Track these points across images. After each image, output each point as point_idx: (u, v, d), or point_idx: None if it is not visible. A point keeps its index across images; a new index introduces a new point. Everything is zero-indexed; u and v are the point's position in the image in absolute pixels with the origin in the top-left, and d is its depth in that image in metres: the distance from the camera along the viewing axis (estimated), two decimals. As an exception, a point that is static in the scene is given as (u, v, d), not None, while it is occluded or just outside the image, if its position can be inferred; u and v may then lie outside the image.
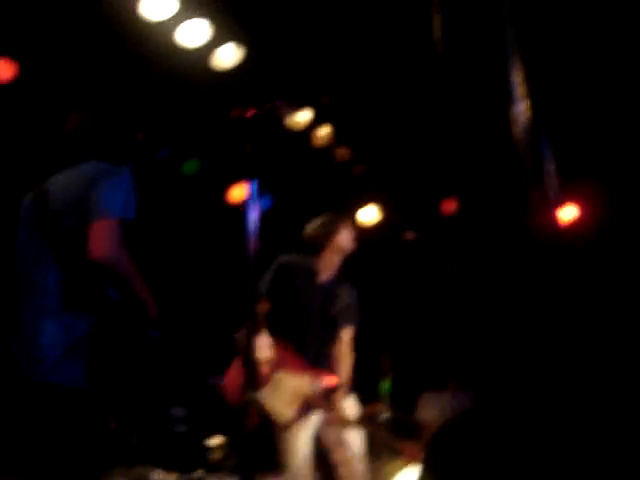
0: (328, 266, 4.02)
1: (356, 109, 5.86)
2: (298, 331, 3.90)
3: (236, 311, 2.35)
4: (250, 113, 2.14)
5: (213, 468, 5.10)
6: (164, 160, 6.24)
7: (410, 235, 4.38)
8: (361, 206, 7.09)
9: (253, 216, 2.06)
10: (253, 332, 2.03)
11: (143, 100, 5.50)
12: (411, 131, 5.31)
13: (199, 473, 4.92)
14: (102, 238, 2.31)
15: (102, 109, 2.75)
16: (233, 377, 3.75)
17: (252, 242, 2.11)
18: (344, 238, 4.02)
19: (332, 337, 3.98)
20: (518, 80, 1.64)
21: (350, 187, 6.78)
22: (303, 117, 5.98)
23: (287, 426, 3.76)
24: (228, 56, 5.37)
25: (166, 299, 5.91)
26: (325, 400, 3.86)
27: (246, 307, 2.05)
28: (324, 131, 6.37)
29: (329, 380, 3.93)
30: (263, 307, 3.86)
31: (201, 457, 5.22)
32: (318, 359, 3.92)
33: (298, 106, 2.41)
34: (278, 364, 3.82)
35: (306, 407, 3.83)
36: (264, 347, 3.74)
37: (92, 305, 2.37)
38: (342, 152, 6.61)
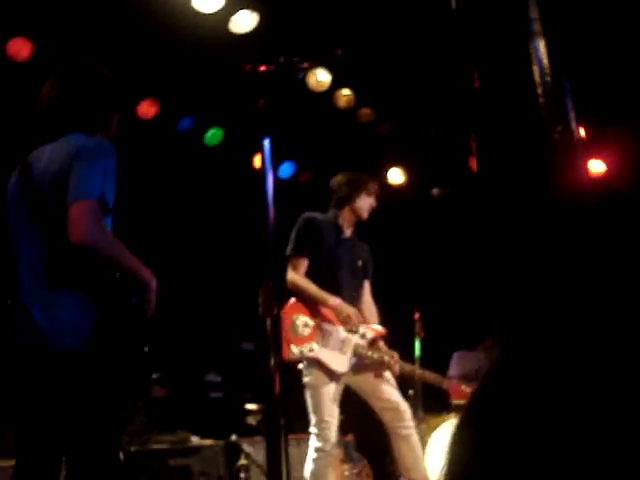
0: (350, 222, 4.22)
1: (376, 67, 5.76)
2: (333, 284, 4.01)
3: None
4: (262, 68, 2.09)
5: (248, 432, 5.16)
6: (187, 132, 6.24)
7: (437, 192, 4.34)
8: (387, 166, 7.03)
9: (270, 180, 2.02)
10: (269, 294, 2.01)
11: (160, 69, 5.49)
12: (430, 83, 5.21)
13: (234, 438, 4.98)
14: (80, 221, 2.26)
15: (75, 74, 2.62)
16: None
17: (270, 207, 2.07)
18: (367, 198, 4.19)
19: (360, 288, 4.18)
20: (535, 16, 1.57)
21: (375, 148, 6.71)
22: (324, 78, 5.92)
23: (338, 375, 3.95)
24: (245, 21, 5.33)
25: (193, 268, 5.96)
26: (373, 348, 4.03)
27: (264, 272, 2.02)
28: (346, 92, 6.29)
29: (375, 329, 4.06)
30: (300, 265, 3.96)
31: (237, 422, 5.28)
32: (355, 304, 4.06)
33: (315, 64, 2.34)
34: (322, 317, 3.97)
35: (357, 355, 4.01)
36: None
37: (79, 282, 2.33)
38: (366, 113, 6.53)
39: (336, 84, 6.15)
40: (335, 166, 7.30)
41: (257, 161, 6.77)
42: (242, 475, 4.69)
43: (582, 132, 1.52)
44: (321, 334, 3.94)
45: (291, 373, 5.63)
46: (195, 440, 5.10)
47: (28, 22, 5.01)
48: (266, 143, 2.00)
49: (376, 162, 6.94)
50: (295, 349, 3.94)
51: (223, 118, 6.26)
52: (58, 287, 2.34)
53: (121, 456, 4.01)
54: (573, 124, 1.47)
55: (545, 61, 1.57)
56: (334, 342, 3.94)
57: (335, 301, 3.92)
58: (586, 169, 1.51)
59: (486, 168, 1.57)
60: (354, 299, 4.09)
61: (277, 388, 2.04)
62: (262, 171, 1.98)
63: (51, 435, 2.37)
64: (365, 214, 4.21)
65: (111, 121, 2.68)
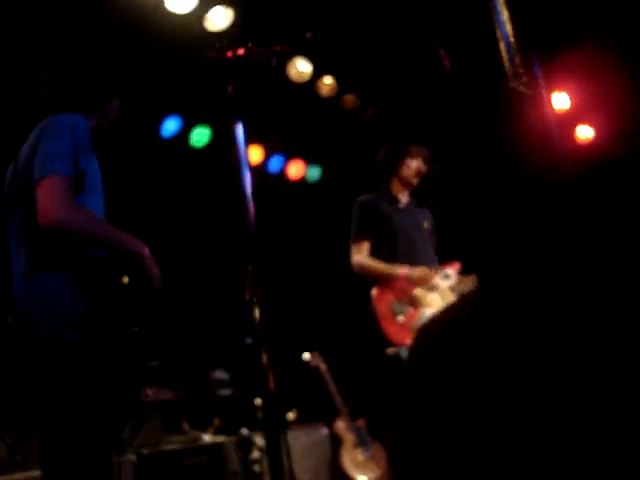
0: (402, 191, 4.27)
1: (355, 52, 5.76)
2: (407, 253, 4.05)
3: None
4: (229, 54, 2.09)
5: (260, 427, 5.17)
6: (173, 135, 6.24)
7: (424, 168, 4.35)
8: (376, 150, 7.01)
9: (245, 165, 2.01)
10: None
11: (136, 71, 5.48)
12: (411, 61, 5.21)
13: (245, 432, 5.00)
14: (45, 200, 2.11)
15: (65, 54, 2.51)
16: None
17: (248, 194, 2.06)
18: (411, 163, 4.21)
19: (432, 249, 4.23)
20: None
21: (362, 133, 6.70)
22: (304, 68, 5.92)
23: None
24: (220, 17, 5.31)
25: (192, 267, 5.96)
26: (463, 281, 4.05)
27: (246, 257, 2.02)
28: (328, 81, 6.29)
29: (451, 265, 4.14)
30: (362, 247, 4.01)
31: (247, 417, 5.29)
32: (434, 267, 4.10)
33: (284, 48, 2.33)
34: (406, 289, 3.95)
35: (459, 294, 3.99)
36: None
37: (61, 264, 2.19)
38: (349, 99, 6.52)
39: (318, 73, 6.14)
40: (324, 155, 7.38)
41: (252, 154, 6.75)
42: (256, 468, 4.71)
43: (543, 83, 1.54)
44: (420, 302, 3.92)
45: (297, 364, 5.66)
46: (207, 438, 5.11)
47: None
48: (239, 129, 2.00)
49: (364, 147, 6.93)
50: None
51: (205, 114, 6.25)
52: (38, 273, 2.23)
53: (134, 459, 4.04)
54: (537, 76, 1.47)
55: (506, 17, 1.57)
56: (435, 301, 3.93)
57: (402, 270, 3.93)
58: (553, 118, 1.52)
59: (456, 123, 1.58)
60: (431, 261, 4.13)
61: (271, 382, 2.02)
62: (236, 157, 1.97)
63: (44, 424, 2.25)
64: (413, 179, 4.23)
65: (110, 105, 2.57)
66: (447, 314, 0.72)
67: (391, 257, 4.02)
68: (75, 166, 2.20)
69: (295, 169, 7.34)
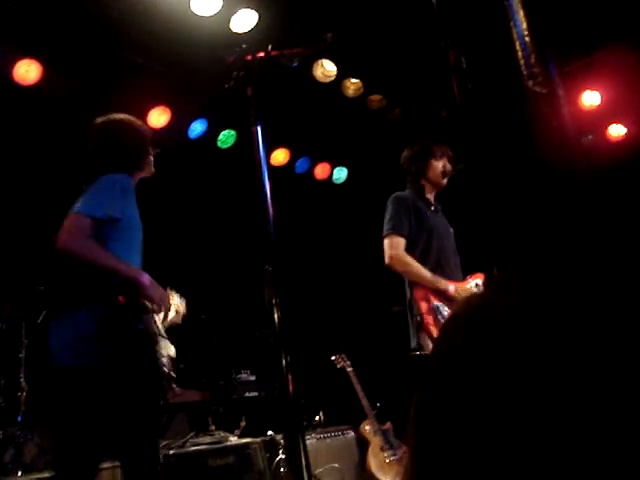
0: (432, 193, 4.23)
1: (382, 52, 5.73)
2: (439, 258, 4.00)
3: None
4: (249, 57, 2.10)
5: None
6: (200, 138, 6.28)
7: (450, 169, 4.30)
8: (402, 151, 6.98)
9: (264, 166, 2.01)
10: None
11: (166, 75, 5.53)
12: (436, 62, 5.18)
13: (271, 434, 5.00)
14: (65, 230, 2.57)
15: (106, 129, 3.05)
16: None
17: (268, 194, 2.05)
18: (437, 163, 4.18)
19: (457, 257, 4.17)
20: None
21: (388, 133, 6.68)
22: (330, 68, 5.92)
23: None
24: (245, 19, 5.34)
25: (220, 268, 5.99)
26: None
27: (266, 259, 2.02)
28: (354, 81, 6.28)
29: (478, 275, 4.07)
30: (399, 243, 3.94)
31: (273, 418, 5.30)
32: (459, 271, 4.10)
33: (305, 50, 2.33)
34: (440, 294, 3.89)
35: None
36: None
37: (94, 298, 2.57)
38: (375, 99, 6.50)
39: (343, 74, 6.14)
40: (351, 156, 7.36)
41: (276, 158, 6.76)
42: (282, 469, 4.71)
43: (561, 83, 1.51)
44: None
45: (325, 366, 5.66)
46: (233, 439, 5.13)
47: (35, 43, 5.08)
48: (258, 130, 2.00)
49: (391, 148, 6.91)
50: None
51: (231, 117, 6.27)
52: (63, 306, 2.65)
53: (161, 459, 4.07)
54: (554, 75, 1.45)
55: (522, 17, 1.55)
56: None
57: (450, 289, 3.86)
58: (567, 116, 1.49)
59: (472, 122, 1.56)
60: (457, 267, 4.11)
61: (290, 384, 2.01)
62: (257, 159, 1.97)
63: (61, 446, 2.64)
64: (442, 180, 4.20)
65: (145, 161, 3.09)
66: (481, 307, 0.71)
67: (424, 259, 3.96)
68: (106, 213, 2.63)
69: (321, 170, 7.34)
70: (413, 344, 3.95)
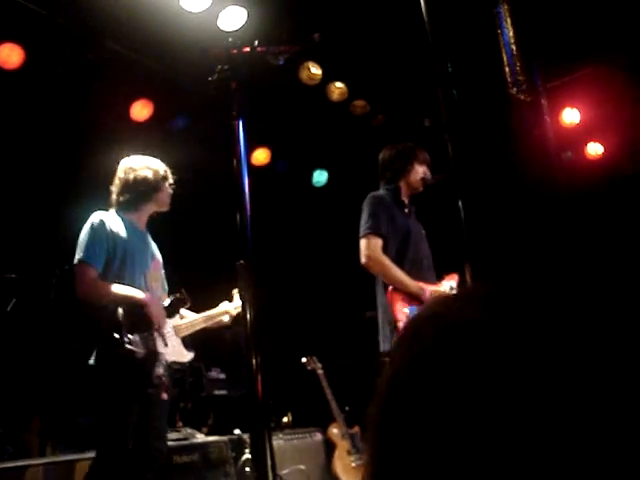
0: (407, 195, 4.19)
1: (368, 58, 5.76)
2: (414, 260, 3.98)
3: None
4: (234, 51, 2.09)
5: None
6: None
7: (430, 178, 4.31)
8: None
9: (244, 161, 2.00)
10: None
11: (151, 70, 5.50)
12: (422, 71, 5.22)
13: (238, 432, 4.98)
14: (75, 283, 3.26)
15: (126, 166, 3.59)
16: None
17: (245, 189, 2.04)
18: (419, 167, 4.16)
19: (430, 260, 4.14)
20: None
21: (370, 139, 6.70)
22: (315, 71, 5.92)
23: None
24: (233, 17, 5.33)
25: (193, 266, 5.95)
26: None
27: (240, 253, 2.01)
28: (338, 85, 6.29)
29: (452, 276, 4.07)
30: (376, 244, 3.91)
31: (241, 418, 5.28)
32: (432, 272, 4.09)
33: (291, 48, 2.33)
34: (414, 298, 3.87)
35: None
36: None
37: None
38: (359, 105, 6.52)
39: (328, 77, 6.15)
40: (332, 159, 7.37)
41: (257, 157, 6.72)
42: (247, 469, 4.69)
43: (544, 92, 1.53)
44: None
45: (294, 367, 5.64)
46: (200, 437, 5.10)
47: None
48: (240, 125, 2.00)
49: (372, 154, 6.93)
50: None
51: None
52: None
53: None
54: (538, 84, 1.47)
55: (509, 25, 1.57)
56: None
57: (427, 293, 3.84)
58: (549, 125, 1.50)
59: (456, 128, 1.57)
60: (431, 269, 4.09)
61: (259, 384, 2.00)
62: (237, 153, 1.96)
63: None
64: (420, 186, 4.18)
65: (159, 194, 3.60)
66: (443, 309, 0.70)
67: (399, 260, 3.92)
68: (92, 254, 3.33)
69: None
70: (383, 348, 3.94)
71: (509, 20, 1.51)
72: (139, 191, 3.57)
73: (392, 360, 0.69)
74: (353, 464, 5.30)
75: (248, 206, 1.92)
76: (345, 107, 6.48)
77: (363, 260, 3.91)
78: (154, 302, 3.37)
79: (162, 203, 3.67)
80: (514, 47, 1.51)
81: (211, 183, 6.30)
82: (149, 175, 3.59)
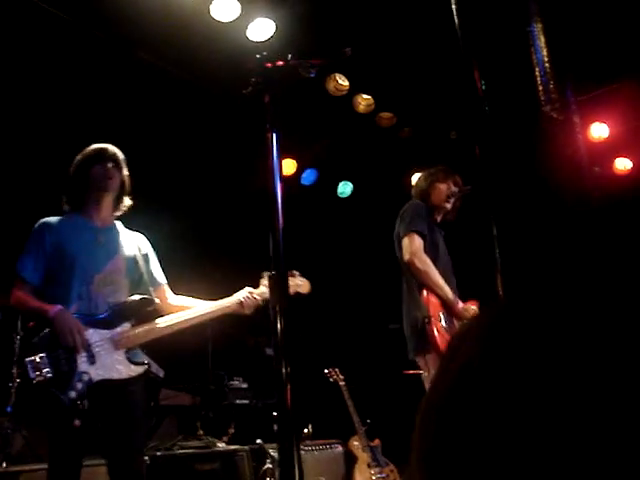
0: (438, 215, 4.30)
1: (395, 71, 5.77)
2: (443, 274, 3.98)
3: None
4: (269, 64, 2.11)
5: (275, 438, 5.15)
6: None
7: (457, 190, 4.35)
8: (410, 170, 7.03)
9: (277, 175, 2.01)
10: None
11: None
12: (449, 83, 5.22)
13: (259, 442, 4.98)
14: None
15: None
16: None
17: (279, 201, 2.04)
18: (441, 186, 4.28)
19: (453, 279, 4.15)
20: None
21: (397, 152, 6.72)
22: (342, 83, 5.95)
23: None
24: (262, 28, 5.37)
25: (215, 274, 5.97)
26: None
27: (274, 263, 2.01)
28: (365, 97, 6.32)
29: (473, 303, 4.08)
30: (419, 242, 3.93)
31: (263, 428, 5.28)
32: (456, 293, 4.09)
33: (323, 61, 2.35)
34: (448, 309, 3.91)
35: None
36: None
37: None
38: (386, 117, 6.53)
39: (355, 89, 6.18)
40: (358, 172, 7.39)
41: (286, 166, 6.77)
42: (268, 479, 4.69)
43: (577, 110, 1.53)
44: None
45: (316, 379, 5.64)
46: (221, 445, 5.11)
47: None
48: (273, 138, 2.02)
49: (398, 166, 6.94)
50: None
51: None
52: None
53: (147, 460, 4.06)
54: (571, 102, 1.47)
55: (542, 43, 1.57)
56: None
57: (459, 307, 3.90)
58: (583, 143, 1.50)
59: (487, 145, 1.58)
60: (454, 286, 4.09)
61: (288, 396, 1.99)
62: (270, 166, 1.98)
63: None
64: (445, 203, 4.27)
65: (91, 179, 3.25)
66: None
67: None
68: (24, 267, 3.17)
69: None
70: (410, 347, 3.93)
71: (542, 38, 1.52)
72: (74, 184, 3.27)
73: (439, 373, 0.70)
74: (373, 477, 5.28)
75: (281, 218, 1.93)
76: (371, 119, 6.50)
77: (407, 257, 3.92)
78: (63, 316, 2.93)
79: (97, 186, 3.25)
80: (547, 65, 1.51)
81: (244, 194, 6.34)
82: (76, 163, 3.29)
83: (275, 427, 5.28)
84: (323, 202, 7.41)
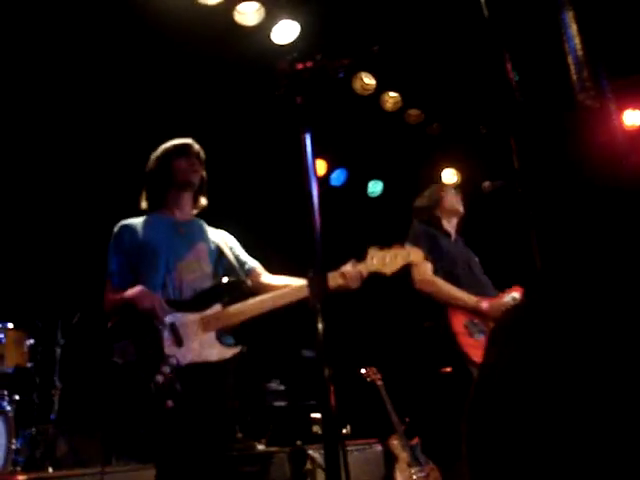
0: (450, 224, 4.35)
1: (421, 67, 5.75)
2: (463, 280, 4.01)
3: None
4: (300, 66, 2.12)
5: (313, 440, 5.17)
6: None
7: (488, 185, 4.32)
8: (440, 167, 7.00)
9: (312, 175, 2.01)
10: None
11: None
12: (476, 78, 5.18)
13: (299, 445, 4.99)
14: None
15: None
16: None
17: (315, 202, 2.04)
18: (450, 201, 4.35)
19: (483, 284, 4.14)
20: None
21: (426, 148, 6.68)
22: (369, 81, 5.94)
23: None
24: (286, 30, 5.39)
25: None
26: None
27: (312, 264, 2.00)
28: (392, 95, 6.30)
29: (515, 290, 4.07)
30: (425, 267, 3.96)
31: (302, 430, 5.30)
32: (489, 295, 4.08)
33: (352, 61, 2.35)
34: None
35: None
36: None
37: None
38: (414, 114, 6.51)
39: (382, 87, 6.16)
40: (389, 170, 7.37)
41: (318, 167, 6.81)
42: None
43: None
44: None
45: (354, 378, 5.64)
46: (260, 447, 5.13)
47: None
48: (307, 139, 2.02)
49: (428, 163, 6.91)
50: None
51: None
52: None
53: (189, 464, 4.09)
54: (606, 90, 1.45)
55: (575, 31, 1.55)
56: None
57: (484, 304, 3.89)
58: (619, 131, 1.48)
59: (521, 136, 1.56)
60: (487, 290, 4.10)
61: (332, 398, 1.97)
62: (304, 167, 1.99)
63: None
64: (458, 207, 4.37)
65: (174, 175, 3.24)
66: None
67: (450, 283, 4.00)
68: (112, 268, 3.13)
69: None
70: (444, 364, 3.96)
71: (574, 26, 1.50)
72: (156, 178, 3.24)
73: (480, 372, 0.70)
74: (414, 477, 5.26)
75: (318, 219, 1.93)
76: (400, 116, 6.48)
77: (416, 285, 4.02)
78: (143, 291, 2.89)
79: (182, 179, 3.22)
80: (580, 53, 1.49)
81: (279, 195, 6.35)
82: (154, 160, 3.26)
83: (313, 429, 5.30)
84: (354, 201, 7.40)
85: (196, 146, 3.27)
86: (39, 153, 5.55)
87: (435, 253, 4.05)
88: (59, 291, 4.90)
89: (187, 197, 3.27)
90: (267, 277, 3.33)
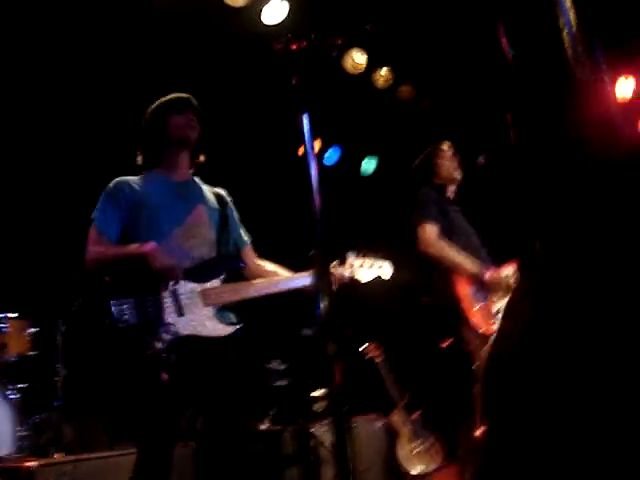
0: (450, 190, 4.34)
1: (411, 43, 5.73)
2: (464, 247, 4.02)
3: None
4: (293, 46, 2.12)
5: (315, 418, 5.22)
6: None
7: (482, 160, 4.35)
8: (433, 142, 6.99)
9: (311, 155, 2.02)
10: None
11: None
12: (467, 51, 5.18)
13: (301, 423, 5.05)
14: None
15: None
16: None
17: (315, 182, 2.05)
18: (447, 168, 4.32)
19: (482, 248, 4.18)
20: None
21: (418, 124, 6.67)
22: (359, 60, 5.93)
23: None
24: (276, 11, 5.36)
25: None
26: None
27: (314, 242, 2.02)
28: (384, 72, 6.28)
29: (511, 263, 4.09)
30: (432, 229, 3.99)
31: (303, 409, 5.34)
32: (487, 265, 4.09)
33: (346, 40, 2.35)
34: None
35: None
36: None
37: None
38: (405, 90, 6.50)
39: (373, 65, 6.14)
40: (381, 146, 7.36)
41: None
42: (311, 458, 4.76)
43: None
44: (495, 292, 3.93)
45: (354, 354, 5.68)
46: (263, 427, 5.18)
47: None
48: (304, 119, 2.03)
49: (421, 139, 6.89)
50: None
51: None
52: None
53: (193, 445, 4.12)
54: (601, 63, 1.46)
55: (569, 4, 1.56)
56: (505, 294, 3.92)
57: (487, 275, 3.91)
58: (615, 104, 1.50)
59: (518, 110, 1.58)
60: (485, 260, 4.10)
61: (338, 375, 1.99)
62: (303, 147, 2.00)
63: None
64: (454, 174, 4.33)
65: (169, 130, 3.05)
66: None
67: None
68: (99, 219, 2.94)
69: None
70: (450, 336, 3.98)
71: (569, 1, 1.51)
72: (150, 134, 3.04)
73: (497, 338, 0.72)
74: (415, 450, 5.33)
75: (318, 200, 1.95)
76: (391, 93, 6.47)
77: (421, 247, 3.98)
78: (159, 250, 2.70)
79: (178, 136, 3.02)
80: (575, 27, 1.51)
81: (278, 176, 6.34)
82: (151, 111, 3.07)
83: (315, 407, 5.33)
84: (347, 180, 7.40)
85: (194, 101, 3.06)
86: (35, 141, 5.54)
87: (441, 218, 4.06)
88: (58, 279, 4.91)
89: (184, 155, 3.08)
90: (257, 260, 3.28)
